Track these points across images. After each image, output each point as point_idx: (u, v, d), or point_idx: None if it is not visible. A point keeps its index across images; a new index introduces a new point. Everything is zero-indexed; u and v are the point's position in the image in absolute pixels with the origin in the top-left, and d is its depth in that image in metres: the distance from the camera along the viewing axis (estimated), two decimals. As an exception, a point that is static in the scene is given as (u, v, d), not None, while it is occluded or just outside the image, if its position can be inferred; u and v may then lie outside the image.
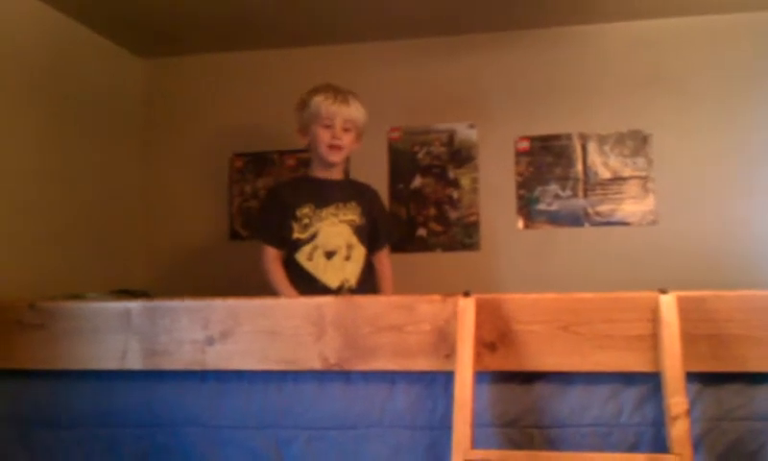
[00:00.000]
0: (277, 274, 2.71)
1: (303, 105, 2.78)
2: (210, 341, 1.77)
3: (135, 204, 3.77)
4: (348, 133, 2.75)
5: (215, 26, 3.48)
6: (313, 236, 2.73)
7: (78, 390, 1.90)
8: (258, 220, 3.12)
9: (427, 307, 1.69)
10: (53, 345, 1.86)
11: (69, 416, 1.89)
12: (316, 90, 2.77)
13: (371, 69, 3.65)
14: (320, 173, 2.82)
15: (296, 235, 2.72)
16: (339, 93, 2.75)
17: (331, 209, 2.76)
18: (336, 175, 2.84)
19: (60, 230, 3.12)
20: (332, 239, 2.74)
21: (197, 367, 1.78)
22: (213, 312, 1.78)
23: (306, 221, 2.73)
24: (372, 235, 2.84)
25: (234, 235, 3.76)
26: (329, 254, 2.73)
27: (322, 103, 2.72)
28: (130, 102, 3.77)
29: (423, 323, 1.69)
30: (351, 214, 2.79)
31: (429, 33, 3.61)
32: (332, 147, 2.73)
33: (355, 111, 2.76)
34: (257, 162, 3.77)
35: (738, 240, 3.35)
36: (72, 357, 1.86)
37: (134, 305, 1.85)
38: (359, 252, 2.78)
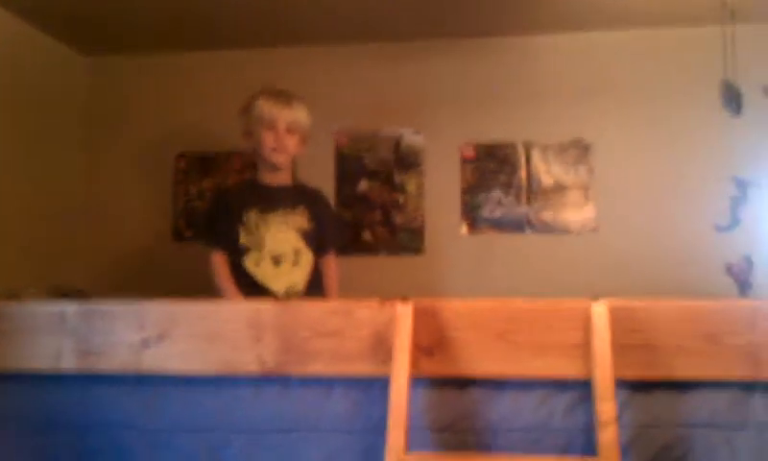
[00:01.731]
0: (223, 277, 2.71)
1: (247, 108, 2.78)
2: (146, 343, 1.75)
3: (77, 202, 3.71)
4: (292, 135, 2.76)
5: (160, 25, 3.45)
6: (260, 242, 2.72)
7: (11, 391, 1.86)
8: (204, 223, 3.08)
9: (365, 313, 1.70)
10: (-15, 345, 1.82)
11: (2, 418, 1.85)
12: (259, 94, 2.78)
13: (318, 72, 3.65)
14: (267, 178, 2.82)
15: (242, 240, 2.72)
16: (282, 96, 2.76)
17: (278, 215, 2.75)
18: (283, 179, 2.83)
19: (-2, 227, 3.06)
20: (279, 245, 2.74)
21: (132, 369, 1.76)
22: (149, 314, 1.76)
23: (253, 227, 2.73)
24: (318, 240, 2.84)
25: (178, 236, 3.73)
26: (276, 261, 2.72)
27: (264, 105, 2.74)
28: (72, 100, 3.71)
29: (361, 328, 1.70)
30: (299, 220, 2.79)
31: (377, 38, 3.63)
32: (275, 150, 2.73)
33: (298, 114, 2.77)
34: (202, 163, 3.74)
35: (674, 248, 3.44)
36: (5, 357, 1.82)
37: (70, 307, 1.82)
38: (306, 257, 2.78)
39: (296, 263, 2.75)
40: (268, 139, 2.72)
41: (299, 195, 2.86)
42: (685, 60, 3.51)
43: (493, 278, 3.54)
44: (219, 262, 2.74)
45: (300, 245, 2.78)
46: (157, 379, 1.78)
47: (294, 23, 3.43)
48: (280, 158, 2.76)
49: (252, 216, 2.74)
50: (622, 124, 3.53)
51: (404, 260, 3.62)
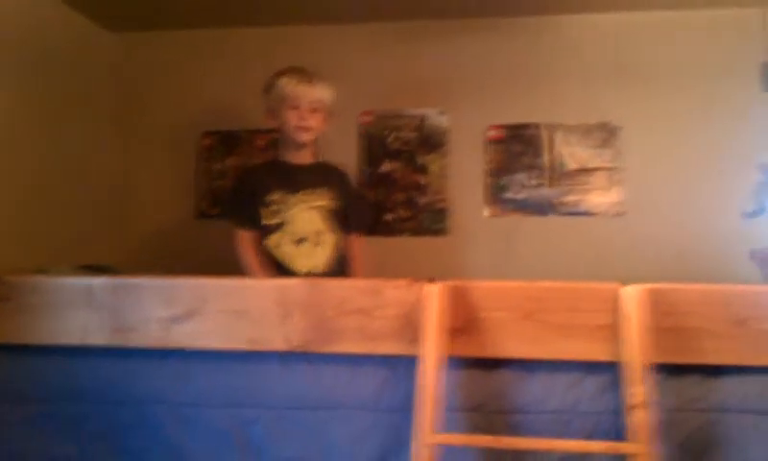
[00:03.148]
0: (249, 256, 2.72)
1: (270, 87, 2.77)
2: (175, 319, 1.76)
3: (103, 180, 3.72)
4: (316, 113, 2.74)
5: (187, 1, 3.44)
6: (282, 223, 2.72)
7: (42, 365, 1.88)
8: (229, 202, 3.08)
9: (393, 292, 1.70)
10: (18, 318, 1.84)
11: (32, 391, 1.88)
12: (281, 73, 2.76)
13: (343, 51, 3.63)
14: (290, 157, 2.81)
15: (264, 221, 2.72)
16: (304, 74, 2.74)
17: (301, 195, 2.75)
18: (307, 158, 2.82)
19: (27, 205, 3.07)
20: (301, 226, 2.74)
21: (161, 345, 1.78)
22: (178, 291, 1.77)
23: (275, 207, 2.72)
24: (342, 220, 2.83)
25: (201, 214, 3.73)
26: (299, 242, 2.73)
27: (287, 85, 2.72)
28: (99, 77, 3.71)
29: (389, 307, 1.70)
30: (321, 200, 2.78)
31: (403, 17, 3.60)
32: (300, 128, 2.72)
33: (321, 91, 2.75)
34: (227, 141, 3.73)
35: (703, 234, 3.41)
36: (36, 331, 1.84)
37: (97, 282, 1.84)
38: (329, 238, 2.77)
39: (317, 244, 2.74)
40: (292, 118, 2.71)
41: (322, 174, 2.84)
42: (722, 43, 3.45)
43: (516, 260, 3.52)
44: (244, 240, 2.74)
45: (323, 226, 2.77)
46: (186, 355, 1.80)
47: (320, 2, 3.41)
48: (304, 137, 2.74)
49: (274, 196, 2.73)
50: (652, 107, 3.48)
51: (427, 242, 3.59)
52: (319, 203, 2.78)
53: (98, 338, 1.80)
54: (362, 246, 2.94)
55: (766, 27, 3.05)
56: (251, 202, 2.74)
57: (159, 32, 3.79)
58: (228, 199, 3.15)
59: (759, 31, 3.09)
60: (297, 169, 2.79)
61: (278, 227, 2.72)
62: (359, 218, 2.97)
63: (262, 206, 2.72)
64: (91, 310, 1.81)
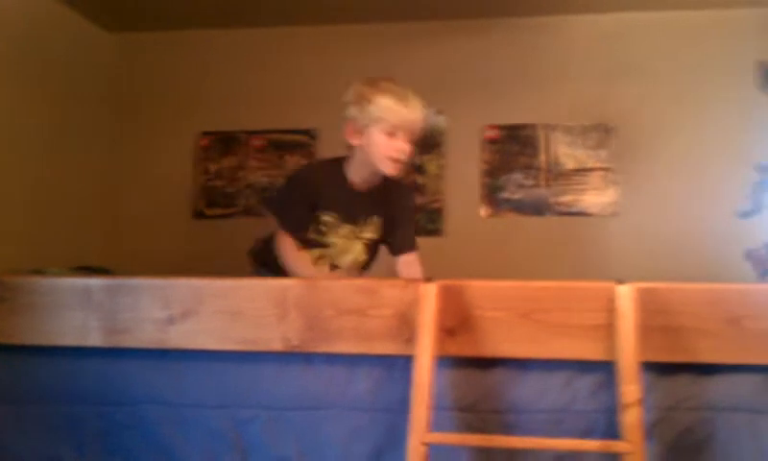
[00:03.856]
0: (294, 255, 2.51)
1: (363, 101, 2.41)
2: (172, 320, 1.77)
3: (99, 179, 3.73)
4: (411, 143, 2.44)
5: (186, 2, 3.44)
6: (325, 245, 2.55)
7: (38, 366, 1.89)
8: (284, 205, 2.61)
9: (390, 292, 1.71)
10: (14, 319, 1.85)
11: (28, 392, 1.88)
12: (381, 90, 2.41)
13: (339, 52, 3.64)
14: (358, 179, 2.51)
15: (310, 235, 2.54)
16: (408, 97, 2.41)
17: (353, 227, 2.55)
18: (375, 181, 2.53)
19: (23, 205, 3.08)
20: (343, 256, 2.58)
21: (158, 346, 1.78)
22: (175, 291, 1.78)
23: (324, 229, 2.53)
24: (387, 244, 2.64)
25: (198, 214, 3.74)
26: (333, 267, 2.59)
27: (392, 109, 2.36)
28: (97, 77, 3.72)
29: (385, 307, 1.70)
30: (371, 232, 2.59)
31: (400, 17, 3.61)
32: (392, 160, 2.40)
33: (422, 119, 2.44)
34: (224, 141, 3.75)
35: (698, 233, 3.42)
36: (32, 332, 1.85)
37: (95, 282, 1.84)
38: (365, 265, 2.63)
39: (350, 271, 2.60)
40: (384, 147, 2.38)
41: (382, 199, 2.57)
42: (717, 44, 3.48)
43: (513, 260, 3.53)
44: (290, 245, 2.49)
45: (364, 256, 2.60)
46: (183, 355, 1.80)
47: (318, 3, 3.42)
48: (394, 171, 2.43)
49: (328, 218, 2.51)
50: (648, 108, 3.50)
51: (423, 242, 3.56)
52: (368, 235, 2.58)
53: (94, 339, 1.81)
54: (415, 264, 2.63)
55: (761, 27, 3.06)
56: (303, 211, 2.51)
57: (157, 33, 3.81)
58: (284, 201, 2.65)
59: (754, 31, 3.10)
60: (360, 196, 2.53)
61: (320, 245, 2.56)
62: (404, 238, 2.65)
63: (313, 222, 2.53)
64: (88, 311, 1.82)
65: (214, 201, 3.71)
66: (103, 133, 3.75)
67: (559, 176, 3.53)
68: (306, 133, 3.59)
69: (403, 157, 2.40)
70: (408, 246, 2.62)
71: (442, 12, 3.55)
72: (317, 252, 2.54)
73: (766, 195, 3.54)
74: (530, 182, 3.54)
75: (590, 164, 3.51)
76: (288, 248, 2.49)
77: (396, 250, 2.61)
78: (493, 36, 3.61)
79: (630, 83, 3.52)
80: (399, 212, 2.62)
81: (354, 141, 2.44)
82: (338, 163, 2.54)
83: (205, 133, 3.76)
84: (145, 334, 1.78)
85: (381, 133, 2.37)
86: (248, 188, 3.71)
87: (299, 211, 2.50)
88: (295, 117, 3.63)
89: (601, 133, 3.52)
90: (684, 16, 3.48)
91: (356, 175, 2.50)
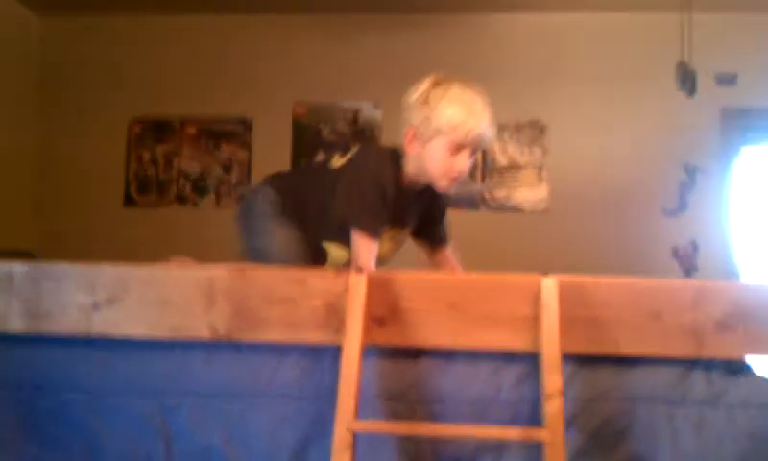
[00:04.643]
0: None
1: (426, 106, 2.17)
2: (97, 306, 1.74)
3: (27, 164, 3.64)
4: (474, 157, 2.26)
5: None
6: None
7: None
8: (371, 213, 2.23)
9: (319, 282, 1.71)
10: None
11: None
12: (450, 98, 2.16)
13: (277, 41, 3.62)
14: (407, 181, 2.30)
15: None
16: (480, 110, 2.18)
17: (398, 229, 2.38)
18: (421, 185, 2.33)
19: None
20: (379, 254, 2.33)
21: (82, 332, 1.75)
22: (100, 277, 1.74)
23: None
24: (422, 234, 2.54)
25: (130, 201, 3.68)
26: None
27: (459, 124, 2.12)
28: (26, 59, 3.63)
29: (315, 297, 1.70)
30: (405, 233, 2.47)
31: (338, 9, 3.61)
32: (451, 178, 2.22)
33: (490, 134, 2.24)
34: (157, 129, 3.69)
35: (623, 230, 3.51)
36: (-49, 318, 1.79)
37: (18, 268, 1.80)
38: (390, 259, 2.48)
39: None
40: (447, 161, 2.16)
41: (423, 201, 2.41)
42: (642, 45, 3.57)
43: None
44: (373, 248, 2.19)
45: (391, 254, 2.43)
46: (107, 343, 1.77)
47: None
48: (449, 189, 2.28)
49: (386, 226, 2.30)
50: (578, 106, 3.58)
51: (358, 234, 3.61)
52: (401, 236, 2.44)
53: (16, 324, 1.76)
54: (454, 254, 2.59)
55: (683, 30, 3.15)
56: (384, 214, 2.25)
57: (88, 17, 3.73)
58: (369, 208, 2.25)
59: (677, 33, 3.19)
60: (408, 199, 2.34)
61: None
62: (444, 232, 2.58)
63: None
64: (9, 296, 1.77)
65: (146, 188, 3.65)
66: (31, 116, 3.66)
67: (493, 172, 3.57)
68: (241, 121, 3.55)
69: (461, 175, 2.24)
70: (447, 238, 2.57)
71: (379, 6, 3.56)
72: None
73: (692, 193, 3.65)
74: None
75: (523, 161, 3.57)
76: (372, 257, 2.18)
77: (438, 243, 2.55)
78: (431, 32, 3.64)
79: (561, 81, 3.59)
80: (438, 210, 2.51)
81: (413, 150, 2.22)
82: (397, 160, 2.29)
83: (138, 120, 3.69)
84: (68, 320, 1.75)
85: (444, 149, 2.15)
86: (181, 176, 3.66)
87: (378, 212, 2.21)
88: (229, 105, 3.58)
89: (535, 130, 3.58)
90: (613, 18, 3.56)
91: (407, 177, 2.29)
